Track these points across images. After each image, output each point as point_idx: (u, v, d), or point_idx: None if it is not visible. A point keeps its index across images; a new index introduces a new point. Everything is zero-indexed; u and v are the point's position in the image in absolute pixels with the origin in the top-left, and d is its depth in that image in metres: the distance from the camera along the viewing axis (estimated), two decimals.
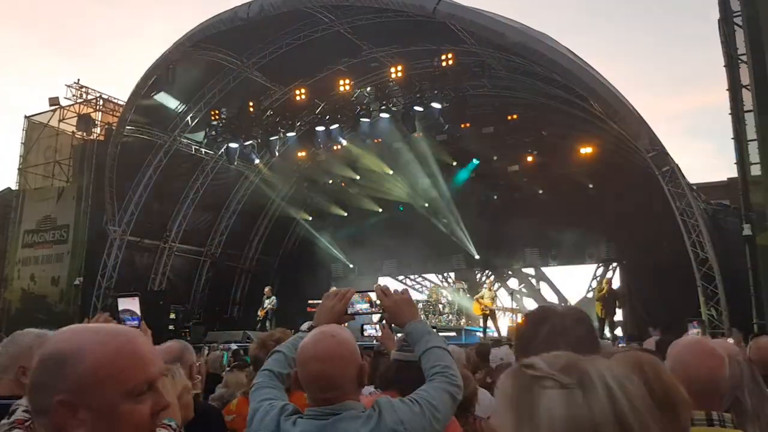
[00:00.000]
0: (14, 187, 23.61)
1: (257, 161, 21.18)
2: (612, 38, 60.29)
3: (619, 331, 17.94)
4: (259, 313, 20.03)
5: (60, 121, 22.38)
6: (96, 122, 22.42)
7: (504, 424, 1.11)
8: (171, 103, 20.03)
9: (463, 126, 18.45)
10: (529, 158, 20.49)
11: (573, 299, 22.35)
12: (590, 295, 19.79)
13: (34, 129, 23.16)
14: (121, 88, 44.80)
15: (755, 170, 14.03)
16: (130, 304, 2.89)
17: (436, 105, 17.17)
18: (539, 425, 1.05)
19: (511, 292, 22.73)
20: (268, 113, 19.61)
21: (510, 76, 18.06)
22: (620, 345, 13.28)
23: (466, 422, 3.59)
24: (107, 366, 1.37)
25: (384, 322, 3.74)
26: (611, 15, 60.85)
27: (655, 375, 1.94)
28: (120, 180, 20.04)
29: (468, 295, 21.54)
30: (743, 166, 14.33)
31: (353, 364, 2.33)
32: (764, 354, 4.46)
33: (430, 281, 25.56)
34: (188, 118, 20.47)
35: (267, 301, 19.90)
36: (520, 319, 21.61)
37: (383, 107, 17.89)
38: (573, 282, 22.74)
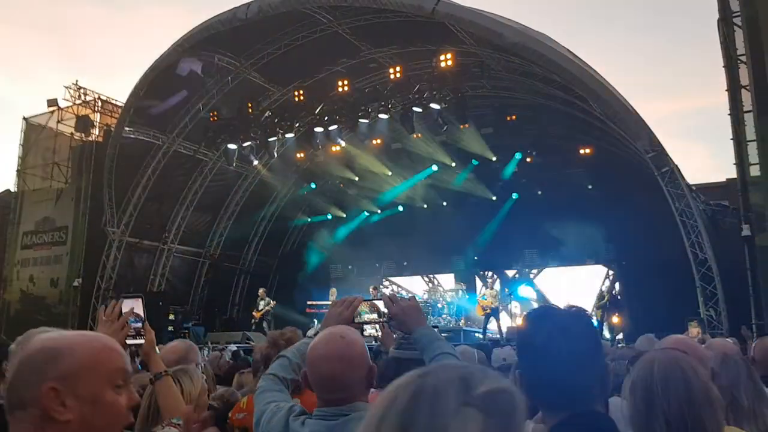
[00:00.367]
0: (13, 188, 23.64)
1: (256, 162, 21.15)
2: (611, 38, 60.30)
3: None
4: (254, 314, 19.99)
5: (58, 122, 22.38)
6: (94, 123, 22.43)
7: None
8: (170, 104, 20.01)
9: (462, 127, 18.42)
10: (528, 159, 20.54)
11: (573, 300, 22.32)
12: (591, 298, 19.78)
13: (32, 130, 23.17)
14: (119, 90, 44.90)
15: (754, 171, 14.05)
16: (133, 305, 2.89)
17: (434, 106, 17.14)
18: None
19: (510, 293, 22.68)
20: (266, 114, 19.59)
21: (509, 77, 18.08)
22: (619, 346, 13.29)
23: None
24: (93, 357, 1.51)
25: (383, 323, 3.74)
26: (610, 15, 60.88)
27: (695, 374, 1.96)
28: (119, 181, 20.04)
29: (467, 296, 21.53)
30: (742, 166, 14.34)
31: (363, 365, 2.34)
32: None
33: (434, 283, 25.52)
34: (187, 119, 20.46)
35: (262, 303, 19.89)
36: (520, 319, 21.68)
37: (382, 108, 17.87)
38: (573, 283, 22.68)
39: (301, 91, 18.65)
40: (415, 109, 17.45)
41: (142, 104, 19.04)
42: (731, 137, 14.62)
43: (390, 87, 17.79)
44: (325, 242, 24.64)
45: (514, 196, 21.71)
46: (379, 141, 20.36)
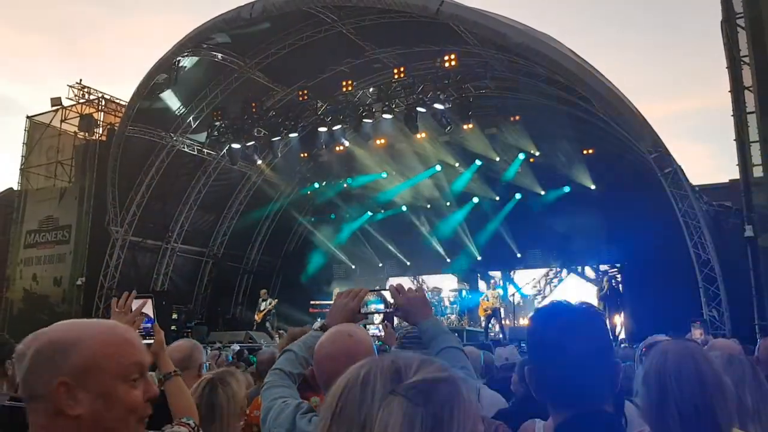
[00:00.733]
0: (16, 187, 23.64)
1: (259, 162, 21.18)
2: (614, 39, 60.24)
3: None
4: (256, 316, 20.06)
5: (62, 121, 22.40)
6: (98, 122, 22.43)
7: None
8: (173, 103, 20.05)
9: (465, 127, 18.44)
10: (531, 159, 20.54)
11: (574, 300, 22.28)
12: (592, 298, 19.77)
13: (36, 129, 23.18)
14: (123, 89, 44.92)
15: (757, 172, 14.04)
16: (143, 305, 2.90)
17: (438, 106, 17.16)
18: None
19: (513, 293, 22.69)
20: (270, 114, 19.62)
21: (513, 77, 18.07)
22: (622, 346, 13.27)
23: None
24: (105, 351, 1.49)
25: (386, 322, 3.75)
26: (613, 16, 60.82)
27: (708, 365, 1.97)
28: (122, 180, 20.07)
29: (470, 296, 21.54)
30: (745, 167, 14.33)
31: None
32: None
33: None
34: (190, 118, 20.49)
35: (264, 304, 19.95)
36: (520, 318, 21.70)
37: (386, 108, 17.87)
38: (574, 283, 22.70)
39: (305, 91, 18.67)
40: (419, 109, 17.47)
41: (146, 103, 19.06)
42: (734, 138, 14.62)
43: (394, 87, 17.81)
44: (328, 242, 24.64)
45: (518, 196, 21.71)
46: (382, 141, 20.37)
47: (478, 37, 15.82)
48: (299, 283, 23.82)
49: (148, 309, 2.93)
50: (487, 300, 18.94)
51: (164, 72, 18.31)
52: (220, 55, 18.87)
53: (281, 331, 19.81)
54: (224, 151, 20.72)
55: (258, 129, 19.49)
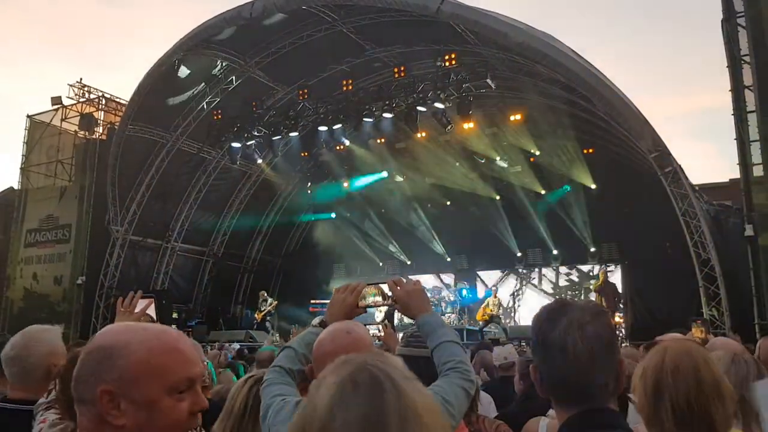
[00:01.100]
0: (17, 186, 23.64)
1: (260, 161, 21.20)
2: (615, 38, 60.28)
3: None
4: (256, 316, 20.13)
5: (62, 120, 22.38)
6: (98, 121, 22.41)
7: None
8: (174, 102, 20.04)
9: (466, 126, 18.44)
10: (531, 159, 20.55)
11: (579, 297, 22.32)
12: (592, 296, 19.77)
13: (36, 128, 23.16)
14: (123, 87, 44.87)
15: (757, 171, 14.01)
16: (146, 306, 2.89)
17: (439, 105, 17.16)
18: None
19: (513, 293, 22.71)
20: (270, 113, 19.63)
21: (513, 77, 18.06)
22: (623, 345, 13.25)
23: (470, 421, 3.60)
24: (151, 361, 1.43)
25: (386, 321, 3.74)
26: (614, 15, 60.85)
27: (706, 365, 1.97)
28: (122, 179, 20.07)
29: (470, 295, 21.55)
30: (746, 167, 14.31)
31: None
32: None
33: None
34: (191, 117, 20.48)
35: (264, 304, 20.01)
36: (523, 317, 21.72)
37: (386, 107, 17.88)
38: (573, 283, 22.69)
39: (306, 90, 18.70)
40: (420, 108, 17.47)
41: (146, 102, 19.05)
42: (734, 137, 14.61)
43: (394, 86, 17.82)
44: (328, 241, 24.65)
45: (518, 195, 21.69)
46: (382, 140, 20.37)
47: (479, 37, 15.82)
48: (299, 282, 23.82)
49: (151, 310, 2.92)
50: (488, 306, 19.04)
51: (164, 71, 18.30)
52: (220, 54, 18.86)
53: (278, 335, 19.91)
54: (224, 150, 20.72)
55: (258, 128, 19.49)
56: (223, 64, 19.38)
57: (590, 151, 19.69)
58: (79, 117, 22.18)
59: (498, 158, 20.96)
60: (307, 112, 19.18)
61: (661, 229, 16.90)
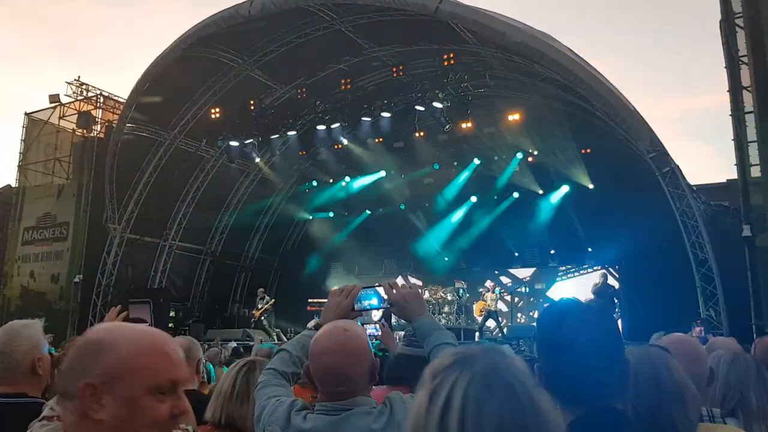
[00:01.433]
0: (14, 184, 23.61)
1: (258, 160, 21.18)
2: (613, 39, 60.27)
3: None
4: (254, 314, 20.11)
5: (60, 118, 22.38)
6: (96, 120, 22.42)
7: None
8: (171, 100, 20.00)
9: (464, 126, 18.43)
10: (530, 158, 20.56)
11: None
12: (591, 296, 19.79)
13: (34, 126, 23.15)
14: (121, 86, 44.84)
15: (755, 172, 14.06)
16: (141, 311, 2.89)
17: (437, 104, 17.16)
18: None
19: (510, 293, 22.69)
20: (269, 112, 19.61)
21: (511, 76, 18.07)
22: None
23: None
24: (137, 359, 1.46)
25: (383, 321, 3.75)
26: (612, 15, 60.88)
27: (667, 371, 1.97)
28: (120, 177, 20.03)
29: (468, 294, 21.55)
30: (743, 167, 14.36)
31: (365, 360, 2.35)
32: None
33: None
34: (188, 116, 20.45)
35: (261, 303, 20.00)
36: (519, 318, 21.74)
37: (384, 106, 17.88)
38: (573, 283, 22.68)
39: (304, 89, 18.69)
40: (418, 107, 17.47)
41: (144, 100, 19.02)
42: (732, 138, 14.64)
43: (392, 85, 17.81)
44: (326, 240, 24.63)
45: (515, 195, 21.72)
46: (381, 139, 20.36)
47: (477, 36, 15.81)
48: (297, 281, 23.80)
49: (146, 314, 2.92)
50: (485, 301, 19.02)
51: (163, 69, 18.27)
52: (218, 53, 18.83)
53: (278, 330, 19.92)
54: (222, 148, 20.68)
55: (256, 127, 19.46)
56: (222, 63, 19.34)
57: (588, 151, 19.69)
58: (77, 115, 22.18)
59: (496, 157, 20.96)
60: (306, 111, 19.16)
61: (659, 229, 16.91)
